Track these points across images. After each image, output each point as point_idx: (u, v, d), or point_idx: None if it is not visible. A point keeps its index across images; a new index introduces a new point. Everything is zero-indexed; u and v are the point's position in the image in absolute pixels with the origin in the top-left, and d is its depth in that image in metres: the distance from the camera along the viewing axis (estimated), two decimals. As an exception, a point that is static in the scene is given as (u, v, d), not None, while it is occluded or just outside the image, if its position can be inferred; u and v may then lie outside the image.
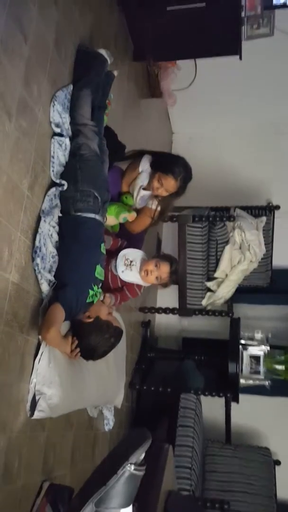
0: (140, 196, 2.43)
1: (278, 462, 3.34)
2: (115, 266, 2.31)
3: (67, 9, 2.04)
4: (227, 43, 3.00)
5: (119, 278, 2.34)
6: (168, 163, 2.38)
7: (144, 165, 2.43)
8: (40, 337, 1.77)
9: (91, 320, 1.97)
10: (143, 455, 1.08)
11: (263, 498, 3.01)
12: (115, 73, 2.36)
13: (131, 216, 2.36)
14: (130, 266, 2.31)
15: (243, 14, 2.88)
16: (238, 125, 4.45)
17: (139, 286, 2.40)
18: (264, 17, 3.57)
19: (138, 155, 2.51)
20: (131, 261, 2.32)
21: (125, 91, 3.06)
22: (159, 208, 2.47)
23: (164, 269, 2.33)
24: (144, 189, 2.42)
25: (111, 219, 2.30)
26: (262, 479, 3.10)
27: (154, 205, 2.45)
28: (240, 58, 3.03)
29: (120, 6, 2.80)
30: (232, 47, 3.00)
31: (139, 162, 2.45)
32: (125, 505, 1.05)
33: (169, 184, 2.36)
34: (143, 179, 2.42)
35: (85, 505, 1.00)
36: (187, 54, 3.45)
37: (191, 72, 4.01)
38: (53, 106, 1.90)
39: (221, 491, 3.00)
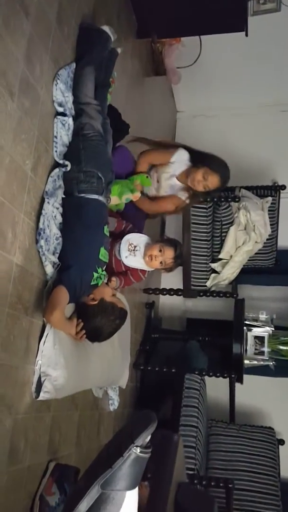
0: (170, 184, 2.46)
1: (282, 442, 3.37)
2: (119, 251, 2.29)
3: (69, -16, 1.98)
4: (233, 19, 2.93)
5: (123, 262, 2.33)
6: (217, 163, 2.44)
7: (179, 157, 2.45)
8: (44, 319, 1.77)
9: (95, 302, 1.96)
10: (149, 438, 1.08)
11: (267, 477, 3.05)
12: (119, 50, 2.31)
13: (134, 196, 2.34)
14: (133, 252, 2.29)
15: (249, -12, 2.80)
16: (244, 103, 4.36)
17: (143, 271, 2.39)
18: (271, -8, 3.48)
19: (170, 146, 2.54)
20: (135, 246, 2.29)
21: (128, 69, 3.00)
22: (187, 201, 2.51)
23: (169, 254, 2.30)
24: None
25: (114, 198, 2.28)
26: (266, 459, 3.13)
27: (184, 196, 2.48)
28: (246, 34, 2.96)
29: (124, -20, 2.73)
30: (238, 23, 2.92)
31: (173, 152, 2.46)
32: (131, 487, 1.06)
33: (213, 181, 2.40)
34: (175, 169, 2.44)
35: (91, 487, 1.01)
36: (191, 31, 3.37)
37: (196, 49, 3.93)
38: (56, 85, 1.86)
39: (225, 470, 3.04)
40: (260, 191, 3.77)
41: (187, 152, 2.48)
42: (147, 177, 2.45)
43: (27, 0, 1.62)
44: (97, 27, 2.17)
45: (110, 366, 2.29)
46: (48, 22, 1.80)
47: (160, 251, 2.29)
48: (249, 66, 4.07)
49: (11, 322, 1.58)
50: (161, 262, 2.30)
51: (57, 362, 1.75)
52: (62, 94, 1.89)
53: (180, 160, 2.46)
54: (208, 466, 3.09)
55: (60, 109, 1.89)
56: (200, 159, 2.44)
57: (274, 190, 3.77)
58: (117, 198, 2.29)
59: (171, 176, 2.45)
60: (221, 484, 2.45)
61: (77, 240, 1.87)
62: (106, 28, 2.18)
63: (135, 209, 2.49)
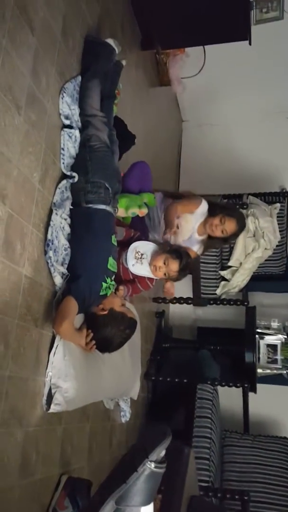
0: (191, 237, 2.57)
1: (297, 452, 3.32)
2: (126, 259, 2.27)
3: (74, 0, 2.01)
4: (236, 29, 2.94)
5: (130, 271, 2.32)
6: (233, 209, 2.62)
7: (203, 209, 2.57)
8: (54, 330, 1.76)
9: (105, 312, 1.96)
10: (163, 452, 1.07)
11: (283, 489, 2.99)
12: (124, 62, 2.33)
13: (141, 212, 2.35)
14: (140, 259, 2.27)
15: (251, -2, 2.81)
16: (249, 111, 4.38)
17: (150, 279, 2.36)
18: (273, 1, 3.50)
19: (192, 197, 2.66)
20: (142, 254, 2.27)
21: (133, 80, 3.02)
22: (199, 253, 2.68)
23: (173, 267, 2.25)
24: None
25: (121, 211, 2.29)
26: (282, 469, 3.08)
27: (199, 250, 2.65)
28: (250, 43, 2.97)
29: (127, -6, 2.76)
30: (241, 32, 2.93)
31: (199, 203, 2.57)
32: (146, 503, 1.04)
33: (230, 225, 2.54)
34: (197, 219, 2.56)
35: (105, 503, 1.00)
36: (195, 41, 3.39)
37: (200, 59, 3.95)
38: (62, 98, 1.88)
39: (240, 482, 2.99)
40: (268, 197, 3.76)
41: (207, 203, 2.59)
42: (154, 197, 2.52)
43: (32, 15, 1.65)
44: (102, 40, 2.20)
45: (121, 377, 2.27)
46: (53, 36, 1.82)
47: (165, 263, 2.24)
48: (253, 74, 4.09)
49: (21, 334, 1.58)
50: (165, 273, 2.28)
51: (68, 373, 1.75)
52: (68, 107, 1.91)
53: (201, 211, 2.57)
54: (223, 478, 3.04)
55: (67, 122, 1.91)
56: (217, 207, 2.58)
57: (282, 196, 3.77)
58: (123, 211, 2.29)
59: (193, 228, 2.57)
60: (236, 497, 2.41)
61: (85, 250, 1.88)
62: (110, 41, 2.20)
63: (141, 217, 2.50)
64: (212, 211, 2.57)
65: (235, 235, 2.65)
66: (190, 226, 2.57)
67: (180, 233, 2.56)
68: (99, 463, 2.29)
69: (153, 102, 3.60)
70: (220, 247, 3.03)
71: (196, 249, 2.63)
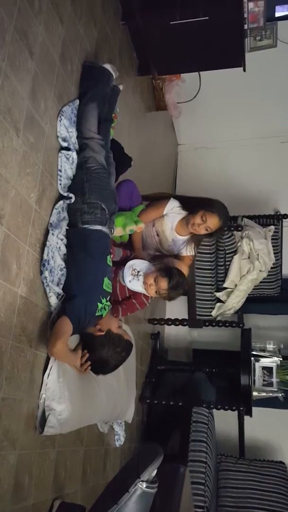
0: (172, 238, 2.50)
1: (293, 476, 3.26)
2: (123, 276, 2.30)
3: (72, 25, 2.06)
4: (231, 55, 3.01)
5: (127, 288, 2.34)
6: (212, 203, 2.45)
7: (170, 208, 2.50)
8: (48, 351, 1.75)
9: (102, 333, 1.95)
10: (155, 472, 1.05)
11: (279, 514, 2.94)
12: (121, 87, 2.38)
13: (138, 227, 2.36)
14: (137, 276, 2.30)
15: (246, 26, 2.89)
16: (243, 135, 4.46)
17: (146, 296, 2.39)
18: (267, 29, 3.60)
19: (160, 198, 2.58)
20: (138, 271, 2.31)
21: (130, 105, 3.08)
22: (193, 253, 2.55)
23: (162, 285, 2.26)
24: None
25: (119, 230, 2.30)
26: (278, 495, 3.02)
27: (191, 251, 2.53)
28: (244, 70, 3.04)
29: (125, 21, 2.83)
30: (236, 59, 3.01)
31: (164, 205, 2.50)
32: (138, 524, 1.02)
33: (213, 221, 2.41)
34: (172, 221, 2.49)
35: (97, 524, 0.98)
36: (191, 67, 3.46)
37: (195, 84, 4.04)
38: (60, 121, 1.91)
39: (236, 507, 2.93)
40: (263, 220, 3.79)
41: (177, 201, 2.52)
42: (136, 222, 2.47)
43: (31, 39, 1.69)
44: (100, 65, 2.24)
45: (115, 400, 2.25)
46: (52, 60, 1.86)
47: (155, 280, 2.27)
48: (248, 100, 4.18)
49: (16, 355, 1.57)
50: (156, 291, 2.29)
51: (62, 395, 1.73)
52: (66, 129, 1.94)
53: (172, 210, 2.51)
54: (218, 503, 2.98)
55: (64, 144, 1.93)
56: (195, 204, 2.47)
57: (276, 219, 3.80)
58: (121, 229, 2.31)
59: (171, 230, 2.49)
60: (232, 523, 2.36)
61: (81, 271, 1.88)
62: (108, 66, 2.25)
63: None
64: (191, 209, 2.45)
65: (221, 229, 2.51)
66: (168, 228, 2.51)
67: (162, 239, 2.55)
68: (93, 487, 2.24)
69: (150, 125, 3.66)
70: (209, 239, 2.84)
71: (186, 252, 2.54)
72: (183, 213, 2.50)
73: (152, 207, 2.55)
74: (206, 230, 2.44)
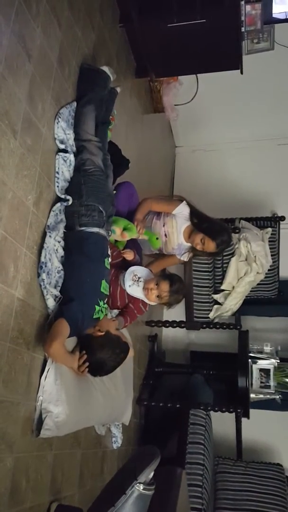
0: (179, 242, 2.59)
1: (291, 479, 3.26)
2: (123, 280, 2.32)
3: (70, 28, 2.06)
4: (228, 58, 3.03)
5: (127, 294, 2.34)
6: (215, 229, 2.54)
7: (181, 211, 2.56)
8: (44, 352, 1.75)
9: (102, 334, 1.95)
10: (152, 474, 1.05)
11: (276, 517, 2.93)
12: (118, 89, 2.38)
13: (136, 236, 2.39)
14: (137, 282, 2.33)
15: (243, 29, 2.89)
16: (241, 137, 4.46)
17: (144, 303, 2.41)
18: (264, 32, 3.60)
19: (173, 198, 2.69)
20: (139, 278, 2.34)
21: (128, 107, 3.08)
22: (186, 260, 2.71)
23: (164, 287, 2.30)
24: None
25: (118, 230, 2.29)
26: (275, 497, 3.02)
27: (186, 258, 2.67)
28: (241, 72, 3.05)
29: (122, 24, 2.83)
30: (233, 62, 3.02)
31: (176, 204, 2.57)
32: (135, 526, 1.02)
33: (210, 247, 2.53)
34: (180, 224, 2.56)
35: (94, 527, 0.98)
36: (188, 70, 3.48)
37: (192, 87, 4.05)
38: (57, 123, 1.91)
39: (233, 509, 2.92)
40: (260, 222, 3.80)
41: (188, 207, 2.57)
42: (157, 238, 2.55)
43: (29, 43, 1.69)
44: (97, 67, 2.25)
45: (113, 402, 2.24)
46: (49, 63, 1.86)
47: (156, 284, 2.31)
48: (245, 102, 4.19)
49: (13, 357, 1.57)
50: (157, 296, 2.31)
51: (59, 398, 1.72)
52: (63, 131, 1.94)
53: (182, 214, 2.56)
54: (215, 505, 2.98)
55: (62, 146, 1.93)
56: (200, 223, 2.55)
57: (273, 221, 3.80)
58: (120, 229, 2.29)
59: (179, 234, 2.57)
60: (229, 525, 2.35)
61: (78, 272, 1.88)
62: (105, 68, 2.26)
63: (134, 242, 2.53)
64: (197, 226, 2.55)
65: (217, 254, 2.68)
66: (176, 232, 2.57)
67: (168, 241, 2.59)
68: (90, 490, 2.24)
69: (147, 128, 3.66)
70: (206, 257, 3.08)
71: (184, 258, 2.66)
72: (189, 223, 2.57)
73: (165, 200, 2.65)
74: (203, 249, 2.56)
